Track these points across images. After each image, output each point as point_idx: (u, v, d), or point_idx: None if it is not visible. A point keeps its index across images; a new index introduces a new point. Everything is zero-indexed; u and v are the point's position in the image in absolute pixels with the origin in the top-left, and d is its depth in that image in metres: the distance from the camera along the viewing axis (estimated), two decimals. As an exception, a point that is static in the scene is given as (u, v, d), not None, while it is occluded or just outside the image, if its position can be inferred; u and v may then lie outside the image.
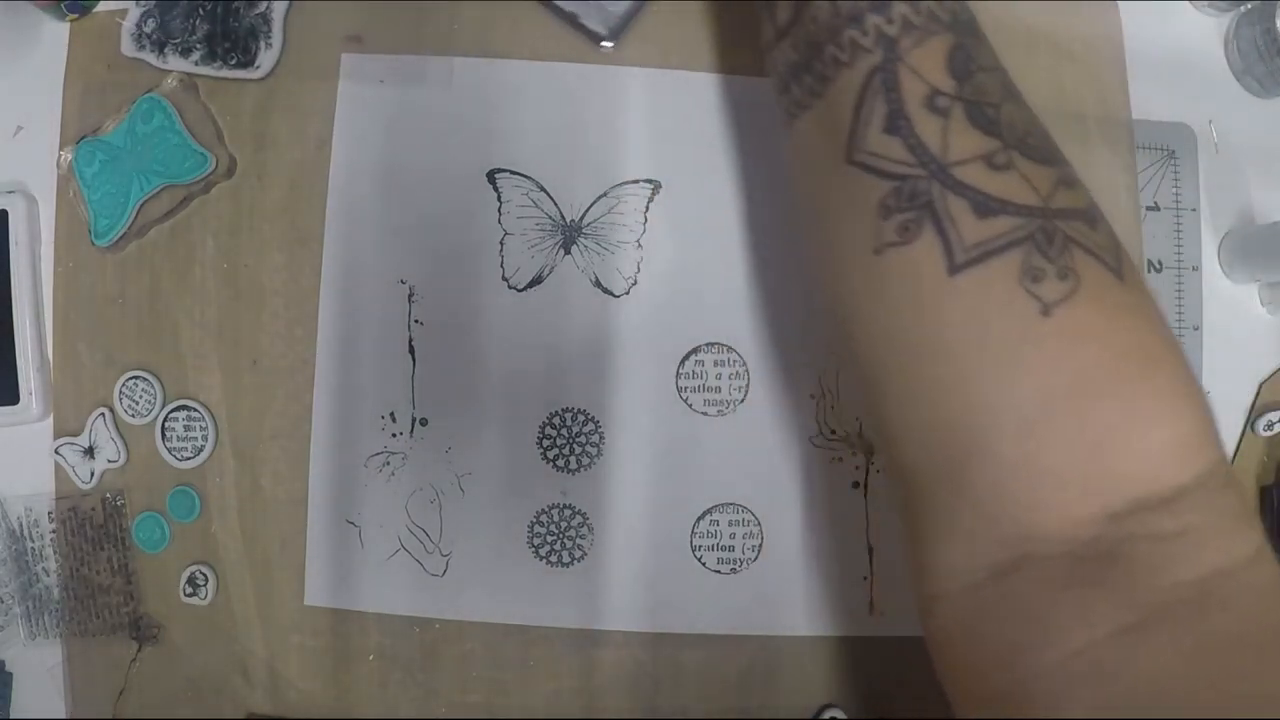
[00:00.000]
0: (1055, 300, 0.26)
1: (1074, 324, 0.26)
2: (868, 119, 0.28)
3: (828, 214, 0.31)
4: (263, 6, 0.43)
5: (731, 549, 0.43)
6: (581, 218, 0.43)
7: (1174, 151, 0.45)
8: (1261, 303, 0.45)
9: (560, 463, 0.43)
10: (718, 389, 0.43)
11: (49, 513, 0.44)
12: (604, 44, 0.42)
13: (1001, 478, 0.27)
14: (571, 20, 0.42)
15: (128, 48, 0.43)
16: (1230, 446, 0.44)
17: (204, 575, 0.43)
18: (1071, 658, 0.26)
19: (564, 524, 0.43)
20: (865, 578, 0.43)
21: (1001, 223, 0.27)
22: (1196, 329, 0.44)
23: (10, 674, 0.44)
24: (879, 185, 0.28)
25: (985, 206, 0.27)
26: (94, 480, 0.43)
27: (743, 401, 0.43)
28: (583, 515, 0.43)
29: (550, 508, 0.43)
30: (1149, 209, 0.45)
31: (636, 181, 0.43)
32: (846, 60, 0.29)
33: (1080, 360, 0.26)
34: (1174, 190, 0.45)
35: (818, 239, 0.32)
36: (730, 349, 0.43)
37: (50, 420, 0.44)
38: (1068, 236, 0.27)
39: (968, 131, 0.28)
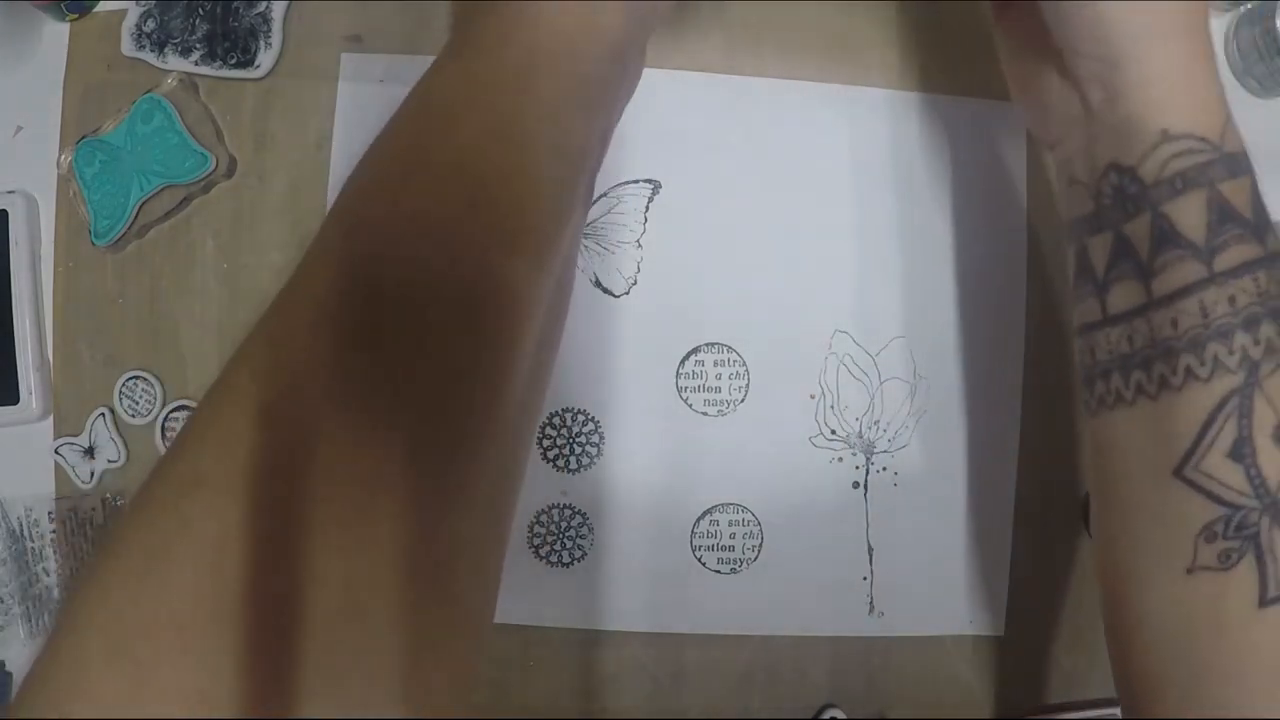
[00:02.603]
0: None
1: None
2: (1213, 441, 0.27)
3: (1140, 521, 0.30)
4: (262, 6, 0.43)
5: (731, 549, 0.43)
6: (581, 218, 0.43)
7: (1174, 151, 0.45)
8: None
9: (560, 463, 0.43)
10: (718, 389, 0.43)
11: (49, 513, 0.44)
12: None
13: None
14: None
15: (128, 48, 0.43)
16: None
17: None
18: None
19: (564, 524, 0.43)
20: (865, 578, 0.43)
21: None
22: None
23: (10, 674, 0.44)
24: (1208, 509, 0.28)
25: None
26: (94, 480, 0.43)
27: (743, 401, 0.43)
28: (583, 515, 0.43)
29: (550, 508, 0.43)
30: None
31: (636, 181, 0.43)
32: (1204, 376, 0.27)
33: None
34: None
35: (1120, 542, 0.31)
36: (730, 349, 0.43)
37: (50, 420, 0.44)
38: None
39: None
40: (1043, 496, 0.44)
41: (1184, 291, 0.28)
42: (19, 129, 0.44)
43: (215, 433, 0.21)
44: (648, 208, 0.43)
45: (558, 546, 0.43)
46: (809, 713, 0.43)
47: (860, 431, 0.43)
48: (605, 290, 0.43)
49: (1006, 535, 0.44)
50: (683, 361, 0.43)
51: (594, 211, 0.43)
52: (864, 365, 0.43)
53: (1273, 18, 0.43)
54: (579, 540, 0.43)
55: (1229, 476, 0.27)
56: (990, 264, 0.44)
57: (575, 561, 0.43)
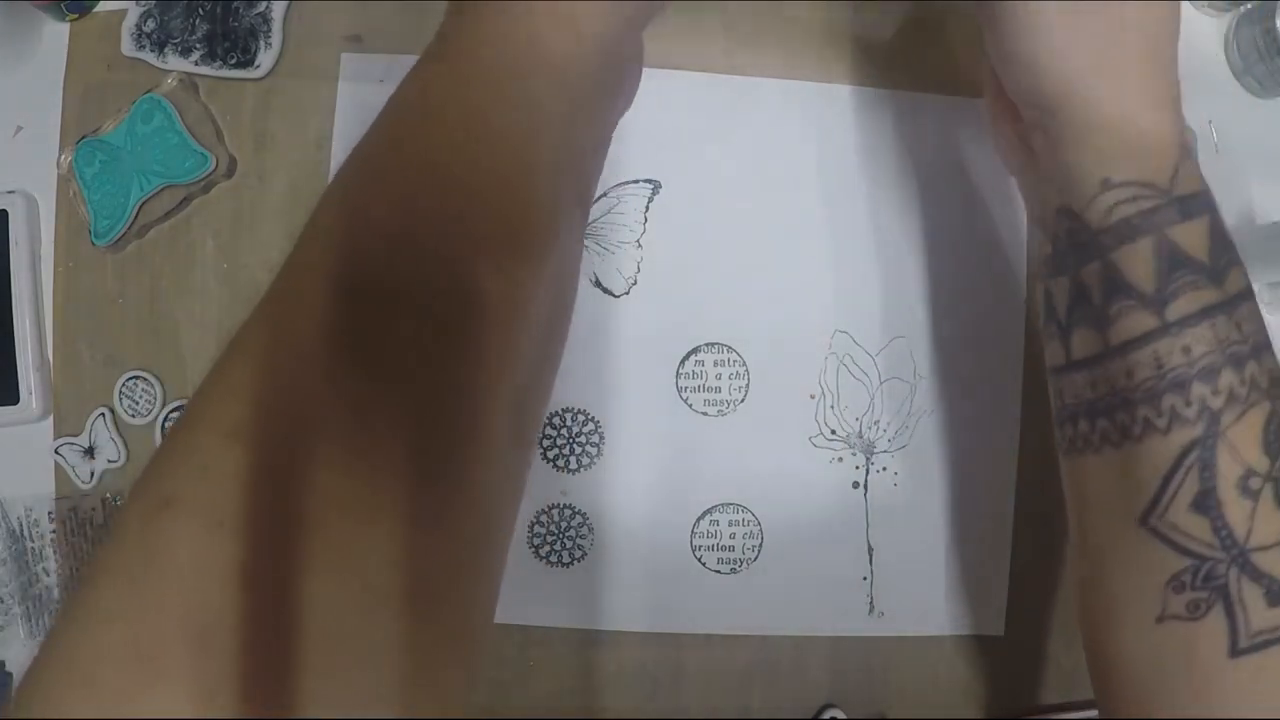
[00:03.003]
0: None
1: None
2: (1175, 492, 0.27)
3: (1111, 567, 0.30)
4: (262, 6, 0.43)
5: (731, 549, 0.43)
6: (581, 218, 0.43)
7: (1174, 151, 0.45)
8: (1262, 303, 0.45)
9: (560, 463, 0.43)
10: (718, 389, 0.43)
11: (49, 513, 0.44)
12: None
13: None
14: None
15: (128, 48, 0.43)
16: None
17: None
18: None
19: (564, 524, 0.43)
20: (865, 578, 0.43)
21: None
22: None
23: (10, 674, 0.44)
24: (1175, 560, 0.27)
25: (1278, 596, 0.27)
26: (94, 480, 0.43)
27: (743, 401, 0.43)
28: (583, 515, 0.43)
29: (550, 508, 0.43)
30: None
31: (636, 181, 0.43)
32: (1162, 428, 0.27)
33: None
34: (1174, 190, 0.45)
35: (1095, 587, 0.31)
36: (730, 349, 0.43)
37: (50, 420, 0.44)
38: None
39: (1273, 516, 0.27)
40: (1043, 496, 0.44)
41: (1137, 342, 0.27)
42: (19, 129, 0.44)
43: (188, 448, 0.20)
44: (648, 208, 0.43)
45: (558, 546, 0.43)
46: (809, 713, 0.43)
47: (860, 431, 0.43)
48: (605, 290, 0.43)
49: (1006, 535, 0.44)
50: (683, 361, 0.43)
51: (594, 211, 0.43)
52: (864, 365, 0.43)
53: (1273, 18, 0.43)
54: (579, 540, 0.43)
55: (1194, 528, 0.27)
56: (990, 264, 0.44)
57: (575, 561, 0.43)
